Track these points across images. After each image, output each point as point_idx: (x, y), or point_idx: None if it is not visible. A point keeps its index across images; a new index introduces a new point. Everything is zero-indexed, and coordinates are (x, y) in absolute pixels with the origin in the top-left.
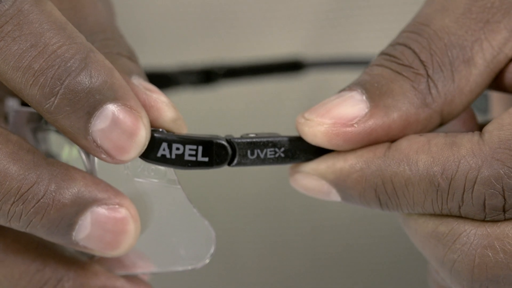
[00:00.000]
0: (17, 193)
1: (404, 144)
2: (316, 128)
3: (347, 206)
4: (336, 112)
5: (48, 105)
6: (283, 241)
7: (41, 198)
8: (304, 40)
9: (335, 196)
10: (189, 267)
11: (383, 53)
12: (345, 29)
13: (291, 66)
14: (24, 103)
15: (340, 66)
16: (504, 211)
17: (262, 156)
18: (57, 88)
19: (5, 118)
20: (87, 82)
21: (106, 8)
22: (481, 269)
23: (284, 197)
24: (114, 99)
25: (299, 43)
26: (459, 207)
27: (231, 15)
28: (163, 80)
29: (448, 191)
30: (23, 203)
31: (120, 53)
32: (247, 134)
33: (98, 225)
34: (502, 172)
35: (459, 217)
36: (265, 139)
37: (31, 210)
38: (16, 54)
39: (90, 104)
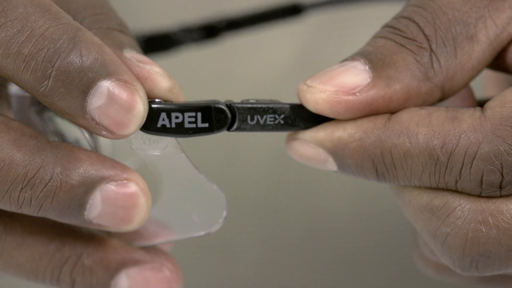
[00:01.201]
0: (24, 179)
1: (404, 116)
2: (318, 95)
3: (348, 206)
4: (338, 80)
5: (43, 88)
6: (284, 242)
7: (49, 181)
8: None
9: (331, 165)
10: (204, 232)
11: (387, 26)
12: None
13: (290, 11)
14: None
15: (339, 4)
16: (500, 187)
17: (261, 122)
18: (49, 71)
19: (8, 101)
20: (78, 62)
21: None
22: (473, 243)
23: (285, 197)
24: (108, 75)
25: None
26: (456, 182)
27: None
28: (165, 41)
29: (447, 165)
30: (31, 189)
31: (110, 27)
32: (248, 100)
33: (108, 202)
34: (502, 149)
35: (455, 191)
36: (265, 105)
37: (40, 194)
38: (4, 41)
39: (84, 83)
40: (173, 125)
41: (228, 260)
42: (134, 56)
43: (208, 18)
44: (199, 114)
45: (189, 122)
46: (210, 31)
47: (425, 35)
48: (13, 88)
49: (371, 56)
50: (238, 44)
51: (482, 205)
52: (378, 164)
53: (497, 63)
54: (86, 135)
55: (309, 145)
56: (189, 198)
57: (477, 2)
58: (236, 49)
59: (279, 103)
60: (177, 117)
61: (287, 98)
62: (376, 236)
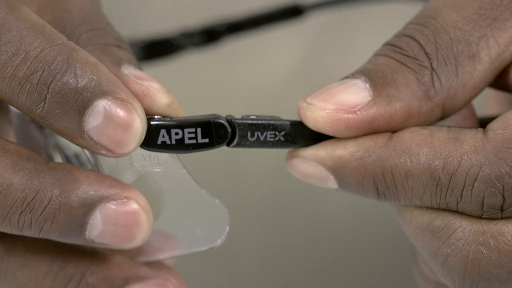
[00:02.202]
0: (23, 203)
1: (406, 136)
2: (318, 113)
3: (348, 211)
4: (339, 98)
5: (39, 110)
6: (284, 248)
7: (48, 204)
8: None
9: (332, 183)
10: (208, 247)
11: (388, 44)
12: None
13: (291, 12)
14: None
15: (339, 5)
16: (502, 210)
17: (262, 138)
18: (44, 93)
19: (9, 117)
20: (72, 82)
21: None
22: (474, 265)
23: (286, 203)
24: (104, 94)
25: None
26: (457, 203)
27: None
28: (166, 46)
29: (448, 186)
30: (30, 212)
31: (107, 42)
32: (248, 116)
33: (109, 221)
34: (504, 171)
35: (456, 212)
36: (266, 122)
37: (40, 217)
38: None
39: (80, 103)
40: (173, 142)
41: (228, 266)
42: (132, 72)
43: (209, 22)
44: (199, 130)
45: (189, 138)
46: (211, 35)
47: (426, 54)
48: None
49: (371, 74)
50: (239, 47)
51: (483, 227)
52: (379, 183)
53: (498, 82)
54: (87, 152)
55: (309, 162)
56: (191, 213)
57: (480, 21)
58: (237, 52)
59: (279, 119)
60: (177, 133)
61: (288, 102)
62: (377, 243)
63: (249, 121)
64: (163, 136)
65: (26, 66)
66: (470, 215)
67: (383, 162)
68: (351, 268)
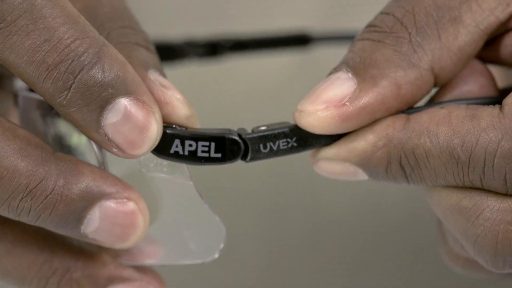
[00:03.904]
0: (26, 189)
1: (424, 117)
2: (312, 118)
3: (347, 204)
4: (325, 96)
5: (61, 98)
6: (286, 242)
7: (50, 193)
8: (312, 14)
9: (362, 176)
10: (198, 261)
11: (365, 26)
12: (351, 3)
13: (298, 40)
14: None
15: (347, 41)
16: None
17: (275, 148)
18: (70, 82)
19: (15, 97)
20: (100, 76)
21: None
22: (505, 244)
23: (287, 196)
24: (127, 94)
25: (306, 17)
26: (481, 180)
27: None
28: (169, 52)
29: (469, 164)
30: (31, 199)
31: (138, 42)
32: (258, 127)
33: (106, 219)
34: None
35: (483, 190)
36: (276, 131)
37: (40, 205)
38: (29, 48)
39: (103, 98)
40: (186, 153)
41: (229, 260)
42: (157, 79)
43: (216, 36)
44: (212, 144)
45: (202, 151)
46: (215, 48)
47: (403, 24)
48: (20, 84)
49: (351, 62)
50: (240, 65)
51: (510, 205)
52: (405, 166)
53: (491, 55)
54: (95, 149)
55: (335, 162)
56: (189, 225)
57: None
58: (237, 70)
59: (288, 126)
60: (190, 145)
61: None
62: (379, 234)
63: (259, 134)
64: (177, 146)
65: (57, 53)
66: (497, 193)
67: (404, 145)
68: (352, 262)
